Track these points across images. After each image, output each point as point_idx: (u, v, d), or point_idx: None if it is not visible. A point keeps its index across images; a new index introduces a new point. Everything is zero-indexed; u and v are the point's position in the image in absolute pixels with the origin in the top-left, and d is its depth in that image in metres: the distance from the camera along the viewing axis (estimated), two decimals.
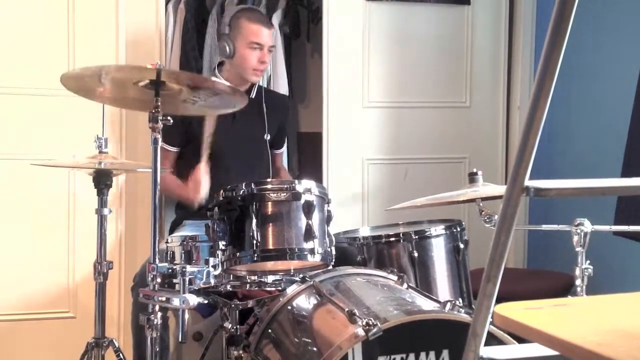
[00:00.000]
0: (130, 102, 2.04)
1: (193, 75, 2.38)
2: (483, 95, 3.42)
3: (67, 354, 2.46)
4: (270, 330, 1.94)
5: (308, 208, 1.89)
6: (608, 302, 0.97)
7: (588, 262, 1.89)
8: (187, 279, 1.74)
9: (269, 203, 1.89)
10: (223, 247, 1.89)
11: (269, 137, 2.86)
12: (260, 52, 2.75)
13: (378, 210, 3.22)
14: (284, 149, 3.12)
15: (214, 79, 1.96)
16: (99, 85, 1.89)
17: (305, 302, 1.94)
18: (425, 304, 1.81)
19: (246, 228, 1.87)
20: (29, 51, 2.76)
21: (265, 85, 3.23)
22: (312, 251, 1.89)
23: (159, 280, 1.78)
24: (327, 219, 1.97)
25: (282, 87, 3.32)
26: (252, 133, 2.84)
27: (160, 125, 1.81)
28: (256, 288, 2.13)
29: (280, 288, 2.07)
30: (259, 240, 1.85)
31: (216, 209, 1.93)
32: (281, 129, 3.00)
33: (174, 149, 2.80)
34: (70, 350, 2.36)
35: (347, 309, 1.65)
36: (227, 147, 2.74)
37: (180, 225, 2.79)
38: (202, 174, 2.54)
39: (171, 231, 2.82)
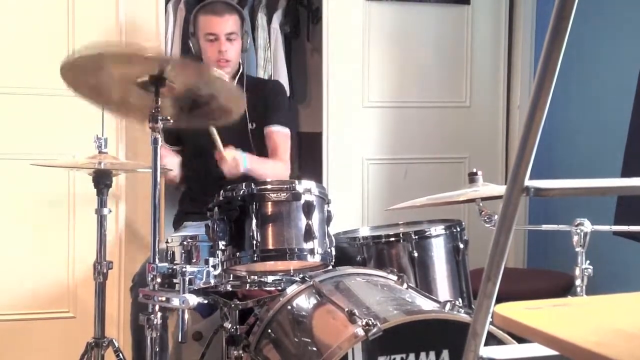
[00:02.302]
0: (130, 107, 2.00)
1: (195, 63, 2.34)
2: (483, 95, 3.42)
3: (67, 354, 2.46)
4: (270, 330, 1.94)
5: (308, 208, 1.89)
6: (608, 302, 0.97)
7: (588, 262, 1.89)
8: (186, 279, 1.74)
9: (269, 203, 1.89)
10: (223, 247, 1.89)
11: (253, 127, 2.73)
12: (216, 43, 2.67)
13: (378, 210, 3.22)
14: (280, 129, 2.79)
15: (213, 69, 1.95)
16: (98, 77, 1.84)
17: (305, 302, 1.94)
18: (425, 304, 1.80)
19: (246, 228, 1.87)
20: (29, 51, 2.76)
21: None
22: (312, 251, 1.88)
23: (158, 280, 1.78)
24: (327, 219, 1.97)
25: None
26: (234, 127, 2.66)
27: (160, 125, 1.81)
28: (256, 288, 2.13)
29: (280, 288, 2.07)
30: (259, 240, 1.85)
31: (216, 209, 1.92)
32: (268, 106, 2.80)
33: (174, 148, 2.80)
34: (70, 350, 2.36)
35: (347, 309, 1.65)
36: (207, 143, 2.67)
37: (180, 226, 2.79)
38: (165, 156, 2.57)
39: (174, 225, 2.82)
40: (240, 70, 2.80)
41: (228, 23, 2.68)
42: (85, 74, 1.85)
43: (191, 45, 2.78)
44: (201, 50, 2.73)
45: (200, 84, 1.89)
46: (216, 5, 2.73)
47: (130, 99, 1.92)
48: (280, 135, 2.80)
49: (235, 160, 2.50)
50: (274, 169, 2.68)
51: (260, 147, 2.76)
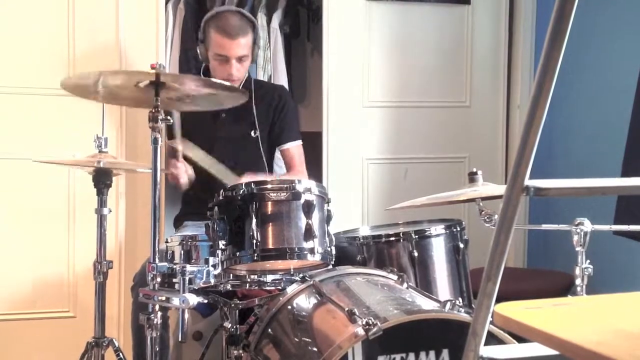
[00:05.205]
0: (129, 100, 2.04)
1: (192, 77, 2.36)
2: (483, 95, 3.43)
3: (67, 353, 2.46)
4: (270, 330, 1.94)
5: (308, 207, 1.89)
6: (608, 302, 0.97)
7: (588, 261, 1.89)
8: (187, 278, 1.74)
9: (269, 202, 1.89)
10: (223, 247, 1.89)
11: (258, 134, 2.72)
12: (226, 64, 2.61)
13: (378, 210, 3.22)
14: (294, 144, 2.83)
15: (213, 79, 1.95)
16: (98, 88, 1.90)
17: (305, 302, 1.94)
18: (425, 303, 1.80)
19: (246, 227, 1.87)
20: (29, 51, 2.76)
21: None
22: (312, 250, 1.88)
23: (158, 279, 1.78)
24: (327, 219, 1.97)
25: None
26: (238, 131, 2.70)
27: (160, 125, 1.81)
28: (256, 287, 2.13)
29: (280, 287, 2.07)
30: (259, 239, 1.85)
31: (216, 208, 1.93)
32: (278, 122, 2.79)
33: (175, 145, 2.80)
34: (70, 350, 2.36)
35: (347, 309, 1.65)
36: (212, 148, 2.67)
37: (181, 225, 2.79)
38: (176, 165, 2.59)
39: (175, 225, 2.83)
40: (246, 76, 2.76)
41: (240, 46, 2.60)
42: (85, 85, 1.90)
43: (199, 51, 2.73)
44: (209, 62, 2.69)
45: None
46: (230, 21, 2.62)
47: (127, 94, 1.94)
48: (294, 149, 2.83)
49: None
50: None
51: (267, 155, 2.77)
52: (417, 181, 3.28)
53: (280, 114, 2.81)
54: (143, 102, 1.91)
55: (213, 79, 2.07)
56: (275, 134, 2.80)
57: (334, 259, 1.99)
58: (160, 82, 1.81)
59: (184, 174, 2.59)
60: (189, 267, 1.76)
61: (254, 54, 2.73)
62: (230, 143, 2.73)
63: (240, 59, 2.63)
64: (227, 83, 2.05)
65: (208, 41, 2.66)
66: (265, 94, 2.81)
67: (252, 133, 2.71)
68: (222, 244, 1.89)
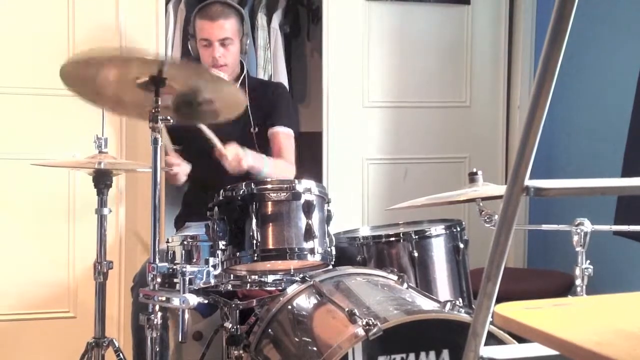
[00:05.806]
0: (129, 106, 2.01)
1: (194, 64, 2.31)
2: (483, 95, 3.43)
3: (67, 354, 2.46)
4: (270, 330, 1.94)
5: (308, 208, 1.89)
6: (608, 302, 0.98)
7: (588, 262, 1.89)
8: (187, 278, 1.74)
9: (269, 203, 1.89)
10: (223, 247, 1.89)
11: (256, 130, 2.72)
12: (210, 48, 2.63)
13: (378, 210, 3.22)
14: (283, 130, 2.75)
15: (214, 70, 1.93)
16: (98, 80, 1.85)
17: (305, 302, 1.94)
18: (425, 303, 1.81)
19: (246, 228, 1.87)
20: (29, 51, 2.76)
21: None
22: (312, 251, 1.89)
23: (159, 280, 1.78)
24: (327, 219, 1.97)
25: None
26: (237, 130, 2.67)
27: (160, 125, 1.81)
28: (256, 288, 2.13)
29: (280, 288, 2.07)
30: (259, 240, 1.85)
31: (216, 208, 1.93)
32: (270, 110, 2.75)
33: (176, 147, 2.80)
34: (70, 350, 2.37)
35: (347, 309, 1.65)
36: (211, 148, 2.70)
37: (182, 227, 2.78)
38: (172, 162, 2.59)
39: (176, 225, 2.82)
40: (244, 73, 2.77)
41: (222, 28, 2.62)
42: (85, 76, 1.86)
43: (190, 47, 2.75)
44: (199, 56, 2.70)
45: (200, 84, 1.89)
46: (212, 7, 2.66)
47: (126, 97, 1.92)
48: (283, 136, 2.77)
49: (237, 156, 2.46)
50: (275, 166, 2.63)
51: (264, 151, 2.73)
52: (417, 181, 3.28)
53: (273, 102, 2.79)
54: (143, 105, 1.87)
55: (216, 71, 2.05)
56: (267, 119, 2.75)
57: (334, 259, 1.99)
58: (161, 77, 1.78)
59: (178, 167, 2.59)
60: (189, 268, 1.76)
61: (243, 43, 2.72)
62: (232, 140, 2.72)
63: (223, 43, 2.63)
64: (225, 76, 2.02)
65: (195, 31, 2.69)
66: (260, 90, 2.79)
67: (251, 130, 2.71)
68: (222, 244, 1.89)
